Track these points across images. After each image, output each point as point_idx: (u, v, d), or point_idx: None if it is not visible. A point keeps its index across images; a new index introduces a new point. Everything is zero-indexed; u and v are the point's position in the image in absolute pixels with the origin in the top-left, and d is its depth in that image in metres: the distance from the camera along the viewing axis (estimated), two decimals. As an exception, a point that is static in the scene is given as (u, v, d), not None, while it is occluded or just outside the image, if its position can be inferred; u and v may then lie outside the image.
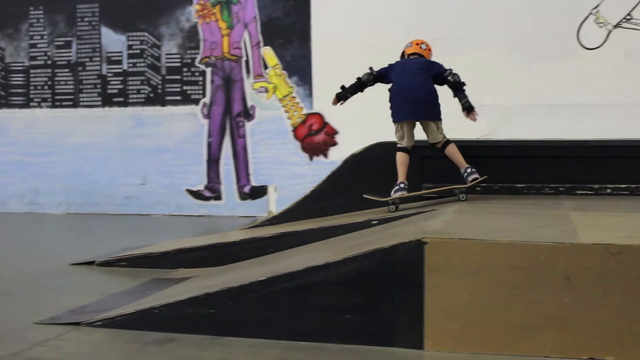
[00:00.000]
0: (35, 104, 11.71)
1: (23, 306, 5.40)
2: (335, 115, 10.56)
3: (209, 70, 11.05)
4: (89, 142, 11.40)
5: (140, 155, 11.19)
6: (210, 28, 11.08)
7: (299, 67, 10.76)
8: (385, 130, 9.08)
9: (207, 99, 11.03)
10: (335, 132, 10.64)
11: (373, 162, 7.38)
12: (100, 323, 4.70)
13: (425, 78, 6.93)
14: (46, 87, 11.68)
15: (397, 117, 7.02)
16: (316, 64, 10.69)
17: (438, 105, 6.97)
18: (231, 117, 10.97)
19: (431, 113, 6.93)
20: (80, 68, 11.54)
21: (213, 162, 11.01)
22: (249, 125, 10.91)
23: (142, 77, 11.29)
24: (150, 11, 11.24)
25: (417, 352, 4.20)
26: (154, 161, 11.11)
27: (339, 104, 7.40)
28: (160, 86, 11.22)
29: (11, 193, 11.71)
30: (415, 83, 6.93)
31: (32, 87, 11.72)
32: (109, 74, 11.42)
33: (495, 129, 9.53)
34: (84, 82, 11.53)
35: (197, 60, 11.10)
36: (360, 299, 4.34)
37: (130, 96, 11.31)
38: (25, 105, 11.75)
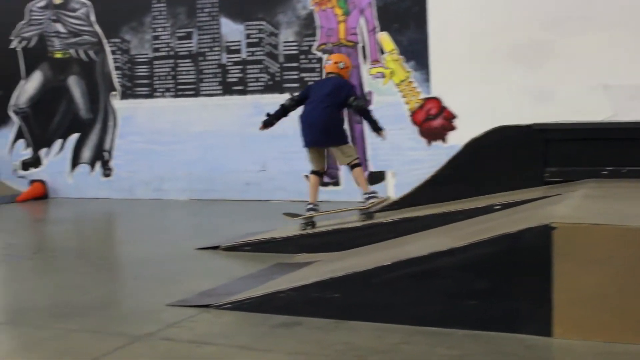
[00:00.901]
0: (159, 94, 12.10)
1: (154, 289, 5.62)
2: (453, 100, 10.45)
3: (325, 57, 11.12)
4: (210, 130, 11.69)
5: (259, 142, 11.38)
6: (327, 15, 11.14)
7: (416, 52, 10.68)
8: (508, 113, 8.94)
9: (324, 86, 11.11)
10: (453, 117, 10.51)
11: (495, 146, 7.25)
12: (229, 306, 4.83)
13: (328, 106, 7.18)
14: (169, 77, 12.05)
15: (303, 142, 7.42)
16: (433, 47, 10.58)
17: (341, 131, 7.33)
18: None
19: (333, 140, 7.28)
20: (201, 58, 11.84)
21: (331, 148, 11.08)
22: (366, 111, 10.91)
23: (260, 66, 11.48)
24: (267, 0, 11.41)
25: (546, 339, 4.12)
26: (273, 148, 11.28)
27: (265, 129, 7.84)
28: (278, 74, 11.38)
29: (138, 180, 12.17)
30: (318, 111, 7.22)
31: (155, 78, 12.12)
32: (229, 63, 11.67)
33: (621, 110, 9.20)
34: (205, 71, 11.83)
35: (314, 48, 11.20)
36: (485, 284, 4.29)
37: (250, 84, 11.53)
38: (150, 95, 12.16)
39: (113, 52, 12.36)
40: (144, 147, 12.12)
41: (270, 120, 7.71)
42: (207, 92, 11.80)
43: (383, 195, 7.26)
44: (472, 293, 4.31)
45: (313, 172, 7.45)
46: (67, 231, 9.42)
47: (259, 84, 11.48)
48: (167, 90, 12.05)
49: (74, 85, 12.65)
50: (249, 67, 11.54)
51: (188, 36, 11.90)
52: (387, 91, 10.79)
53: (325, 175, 7.57)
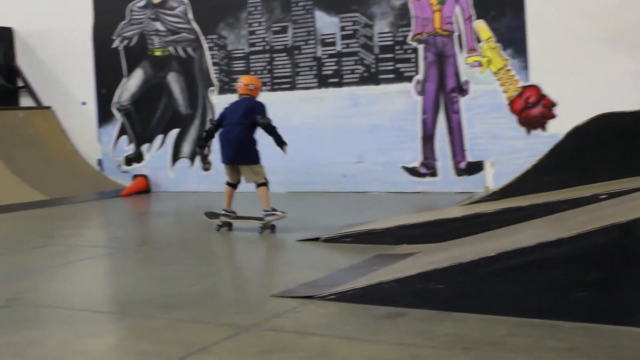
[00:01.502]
0: (256, 88, 12.24)
1: (257, 280, 5.72)
2: (553, 87, 10.22)
3: (421, 47, 11.04)
4: (307, 123, 11.78)
5: (355, 134, 11.42)
6: (421, 4, 11.05)
7: (513, 39, 10.48)
8: (609, 99, 8.67)
9: (420, 76, 11.04)
10: (553, 105, 10.27)
11: (599, 134, 7.04)
12: (332, 297, 4.86)
13: (244, 128, 7.99)
14: (265, 71, 12.19)
15: (221, 159, 8.26)
16: (531, 34, 10.36)
17: (254, 151, 8.10)
18: (445, 92, 10.90)
19: (246, 159, 8.10)
20: (296, 52, 11.94)
21: (428, 138, 11.01)
22: (463, 101, 10.79)
23: (355, 58, 11.49)
24: (361, -8, 11.41)
25: (661, 332, 3.99)
26: (369, 139, 11.29)
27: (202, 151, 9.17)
28: (373, 65, 11.36)
29: (236, 174, 12.36)
30: (233, 133, 8.02)
31: (252, 72, 12.26)
32: (324, 56, 11.72)
33: None
34: (300, 65, 11.91)
35: (409, 38, 11.12)
36: (595, 275, 4.18)
37: (345, 76, 11.55)
38: (247, 89, 12.31)
39: (210, 49, 12.59)
40: (242, 141, 12.28)
41: (202, 144, 8.95)
42: (303, 86, 11.88)
43: (282, 213, 7.98)
44: (582, 284, 4.20)
45: (228, 184, 8.31)
46: (169, 224, 9.67)
47: (355, 75, 11.48)
48: (264, 84, 12.18)
49: (174, 81, 12.96)
50: (344, 59, 11.56)
51: (283, 30, 12.00)
52: (484, 80, 10.64)
53: (238, 186, 8.39)
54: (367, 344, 3.99)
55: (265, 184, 8.17)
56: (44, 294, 5.77)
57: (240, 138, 8.00)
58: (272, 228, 7.97)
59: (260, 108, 8.11)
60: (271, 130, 8.11)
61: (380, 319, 4.42)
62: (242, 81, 8.39)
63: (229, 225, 8.27)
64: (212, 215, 8.50)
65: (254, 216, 8.21)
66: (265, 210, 7.97)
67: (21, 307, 5.23)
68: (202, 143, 8.76)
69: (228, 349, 4.00)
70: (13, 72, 14.34)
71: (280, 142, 8.18)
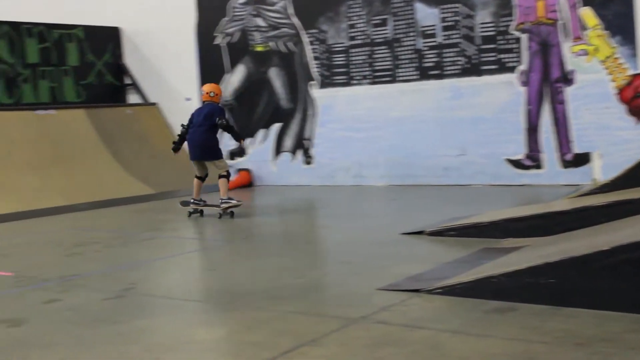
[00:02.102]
0: (356, 82, 12.28)
1: (363, 273, 5.72)
2: (665, 75, 9.85)
3: (524, 37, 10.81)
4: (408, 116, 11.73)
5: (458, 126, 11.29)
6: (524, -7, 10.82)
7: (621, 26, 10.14)
8: None
9: (523, 66, 10.81)
10: (665, 93, 9.90)
11: None
12: (439, 290, 4.83)
13: (206, 129, 9.34)
14: (365, 64, 12.19)
15: (189, 156, 9.61)
16: (641, 20, 10.00)
17: (216, 149, 9.50)
18: (549, 82, 10.65)
19: (209, 155, 9.50)
20: (396, 44, 11.89)
21: (532, 130, 10.78)
22: (568, 91, 10.51)
23: (456, 49, 11.35)
24: (462, -18, 11.26)
25: None
26: (471, 131, 11.15)
27: (177, 152, 9.84)
28: (475, 56, 11.20)
29: (338, 167, 12.45)
30: (198, 133, 9.38)
31: (352, 66, 12.30)
32: (425, 48, 11.63)
33: None
34: (401, 57, 11.86)
35: (511, 27, 10.91)
36: None
37: (446, 68, 11.43)
38: (347, 83, 12.37)
39: (311, 43, 12.68)
40: (343, 134, 12.36)
41: (177, 147, 9.76)
42: (404, 78, 11.82)
43: (237, 202, 9.25)
44: (702, 280, 4.05)
45: (196, 177, 9.58)
46: (272, 217, 9.80)
47: (456, 67, 11.35)
48: (364, 77, 12.20)
49: (275, 76, 13.11)
50: (445, 50, 11.44)
51: (383, 23, 11.97)
52: (591, 69, 10.33)
53: (205, 179, 9.65)
54: (478, 339, 3.95)
55: (226, 176, 9.39)
56: (155, 284, 5.96)
57: (203, 138, 9.37)
58: (231, 214, 9.25)
59: (219, 112, 9.48)
60: (229, 129, 9.56)
61: (490, 314, 4.36)
62: (204, 90, 9.75)
63: (200, 212, 9.58)
64: (184, 203, 9.77)
65: (214, 204, 9.40)
66: (222, 199, 9.24)
67: (135, 297, 5.41)
68: (175, 146, 9.73)
69: (338, 341, 4.03)
70: (121, 70, 14.82)
71: (238, 138, 9.89)
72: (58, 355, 4.05)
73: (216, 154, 9.51)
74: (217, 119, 9.30)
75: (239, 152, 13.56)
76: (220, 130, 9.51)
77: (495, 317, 4.29)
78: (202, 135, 9.36)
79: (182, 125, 9.64)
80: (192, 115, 9.60)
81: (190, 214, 9.56)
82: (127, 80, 14.83)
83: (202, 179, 9.59)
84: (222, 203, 9.22)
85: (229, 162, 13.51)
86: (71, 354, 4.07)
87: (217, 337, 4.42)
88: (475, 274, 4.91)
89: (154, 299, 5.35)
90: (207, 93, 9.65)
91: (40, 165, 11.87)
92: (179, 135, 9.74)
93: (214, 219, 9.26)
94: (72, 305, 5.19)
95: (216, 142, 9.53)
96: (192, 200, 9.60)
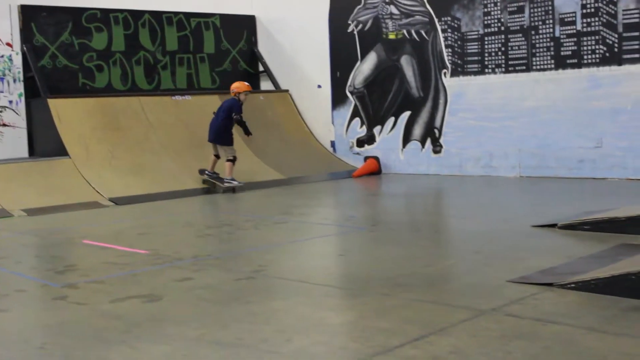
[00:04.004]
0: (490, 70, 12.05)
1: (493, 264, 5.63)
2: None
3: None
4: (542, 106, 11.41)
5: (594, 117, 10.89)
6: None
7: None
8: None
9: (668, 55, 10.31)
10: None
11: None
12: (573, 285, 4.69)
13: (223, 119, 11.31)
14: (500, 53, 11.94)
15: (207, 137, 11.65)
16: None
17: (226, 136, 11.35)
18: (696, 73, 10.10)
19: (220, 141, 11.37)
20: (533, 32, 11.57)
21: (675, 122, 10.28)
22: None
23: (596, 37, 10.94)
24: (605, -33, 10.82)
25: None
26: (609, 123, 10.73)
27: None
28: (616, 45, 10.76)
29: (468, 157, 12.27)
30: (216, 120, 11.45)
31: (486, 54, 12.07)
32: (562, 36, 11.27)
33: None
34: (537, 45, 11.54)
35: (657, 15, 10.41)
36: None
37: (585, 57, 11.04)
38: (480, 72, 12.15)
39: (444, 31, 12.53)
40: (474, 123, 12.17)
41: (246, 131, 11.67)
42: (540, 67, 11.51)
43: (238, 183, 11.24)
44: None
45: (214, 155, 11.44)
46: (400, 205, 9.78)
47: (595, 56, 10.94)
48: (498, 66, 11.96)
49: (406, 64, 13.05)
50: (584, 38, 11.04)
51: (520, 10, 11.68)
52: None
53: (219, 157, 11.46)
54: (615, 337, 3.81)
55: (232, 160, 11.19)
56: (285, 267, 6.07)
57: (218, 126, 11.33)
58: (232, 191, 11.25)
59: (236, 107, 11.30)
60: (241, 124, 11.39)
61: (628, 312, 4.21)
62: (231, 89, 11.55)
63: (212, 185, 11.42)
64: (200, 172, 11.55)
65: (219, 181, 11.36)
66: (225, 179, 11.24)
67: (265, 279, 5.54)
68: (245, 131, 11.63)
69: (467, 331, 3.99)
70: (255, 58, 15.13)
71: (247, 133, 11.64)
72: (194, 332, 4.19)
73: (225, 141, 11.33)
74: (234, 114, 11.24)
75: (368, 140, 13.59)
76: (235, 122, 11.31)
77: (633, 316, 4.14)
78: (218, 123, 11.33)
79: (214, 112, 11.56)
80: (220, 105, 11.64)
81: (204, 181, 11.50)
82: (260, 68, 15.12)
83: (217, 156, 11.44)
84: (225, 182, 11.22)
85: (358, 149, 13.62)
86: (206, 331, 4.21)
87: (346, 321, 4.46)
88: (612, 270, 4.74)
89: (285, 282, 5.45)
90: (231, 90, 11.55)
91: (176, 149, 12.30)
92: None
93: (345, 203, 9.31)
94: (205, 284, 5.37)
95: (228, 131, 11.33)
96: (206, 172, 11.44)
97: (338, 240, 7.46)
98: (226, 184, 11.24)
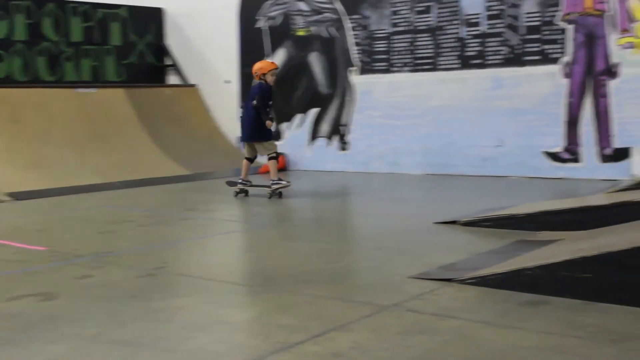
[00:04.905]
0: (397, 69, 12.20)
1: (397, 260, 5.70)
2: None
3: (570, 28, 10.64)
4: (448, 105, 11.63)
5: (497, 117, 11.17)
6: (572, -16, 10.64)
7: (670, 20, 9.94)
8: None
9: (567, 58, 10.65)
10: None
11: None
12: (472, 280, 4.79)
13: (251, 108, 9.39)
14: (407, 52, 12.10)
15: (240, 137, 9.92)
16: (691, 15, 9.78)
17: (263, 129, 9.39)
18: (593, 75, 10.47)
19: (256, 137, 9.50)
20: (439, 32, 11.77)
21: (572, 123, 10.63)
22: (612, 84, 10.33)
23: (500, 38, 11.21)
24: (508, -30, 11.11)
25: None
26: (511, 122, 11.02)
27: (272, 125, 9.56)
28: (519, 46, 11.05)
29: (374, 154, 12.40)
30: (246, 113, 9.65)
31: (394, 53, 12.22)
32: (468, 37, 11.50)
33: None
34: (443, 45, 11.75)
35: (557, 18, 10.74)
36: None
37: (488, 58, 11.30)
38: (388, 70, 12.29)
39: (353, 29, 12.62)
40: (381, 121, 12.30)
41: (269, 118, 9.48)
42: (445, 67, 11.72)
43: (286, 182, 9.49)
44: None
45: (245, 158, 9.69)
46: (307, 202, 9.79)
47: (499, 57, 11.21)
48: (405, 64, 12.12)
49: (315, 61, 13.08)
50: (488, 40, 11.30)
51: (427, 10, 11.86)
52: (637, 62, 10.14)
53: (254, 160, 9.80)
54: (510, 330, 3.90)
55: (275, 157, 9.51)
56: (188, 264, 5.99)
57: (250, 119, 9.49)
58: (279, 195, 9.42)
59: (258, 92, 9.43)
60: (261, 111, 9.35)
61: (522, 306, 4.31)
62: (254, 70, 9.64)
63: (245, 192, 9.71)
64: (231, 183, 9.94)
65: (263, 184, 9.65)
66: (272, 180, 9.39)
67: (167, 276, 5.45)
68: (267, 118, 9.47)
69: (368, 327, 4.02)
70: (162, 51, 14.90)
71: (264, 120, 9.39)
72: (91, 331, 4.08)
73: (262, 135, 9.49)
74: (254, 100, 9.39)
75: (275, 136, 13.55)
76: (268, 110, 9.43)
77: (527, 310, 4.24)
78: (249, 117, 9.52)
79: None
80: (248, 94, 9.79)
81: (236, 193, 9.69)
82: (168, 61, 14.90)
83: (250, 160, 9.71)
84: (272, 184, 9.39)
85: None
86: (104, 330, 4.11)
87: (248, 318, 4.43)
88: (509, 266, 4.86)
89: (187, 279, 5.38)
90: (254, 72, 9.68)
91: (79, 143, 12.00)
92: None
93: (251, 200, 9.30)
94: (105, 282, 5.24)
95: (261, 123, 9.41)
96: (240, 181, 9.72)
97: (243, 236, 7.41)
98: (274, 187, 9.43)
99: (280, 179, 9.43)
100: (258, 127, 9.42)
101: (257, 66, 9.65)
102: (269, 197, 9.35)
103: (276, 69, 9.75)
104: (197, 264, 5.98)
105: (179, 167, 12.36)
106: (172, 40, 14.89)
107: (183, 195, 10.33)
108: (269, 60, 10.51)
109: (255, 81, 9.61)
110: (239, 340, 4.01)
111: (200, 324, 4.19)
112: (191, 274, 5.53)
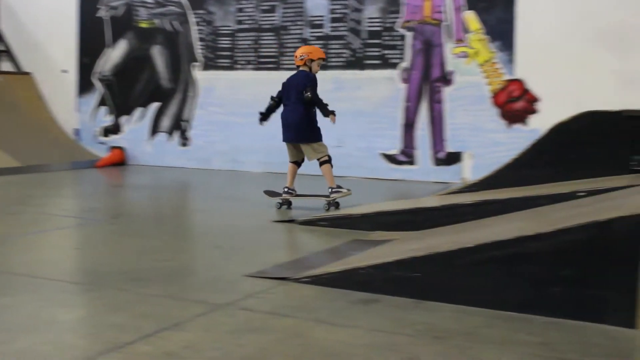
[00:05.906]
0: (240, 66, 12.17)
1: (232, 259, 5.67)
2: (537, 83, 10.24)
3: (409, 35, 11.00)
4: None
5: (338, 118, 11.29)
6: (413, -9, 11.01)
7: (502, 32, 10.48)
8: (593, 98, 8.70)
9: (406, 64, 11.01)
10: (536, 100, 10.29)
11: (582, 131, 7.09)
12: (307, 279, 4.84)
13: (295, 107, 7.80)
14: (251, 50, 12.09)
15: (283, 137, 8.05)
16: (520, 29, 10.35)
17: (310, 128, 7.83)
18: (429, 81, 10.88)
19: (303, 137, 7.87)
20: (283, 32, 11.85)
21: (409, 126, 11.01)
22: (447, 91, 10.78)
23: (342, 41, 11.42)
24: (352, -25, 11.34)
25: (630, 331, 4.00)
26: (351, 124, 11.25)
27: (263, 123, 8.31)
28: (360, 50, 11.31)
29: (215, 151, 12.31)
30: (290, 108, 7.88)
31: (238, 50, 12.18)
32: (311, 38, 11.64)
33: None
34: (287, 45, 11.83)
35: (397, 25, 11.08)
36: (570, 272, 4.19)
37: (331, 60, 11.48)
38: (231, 67, 12.24)
39: (197, 24, 12.48)
40: (223, 118, 12.24)
41: (266, 117, 8.30)
42: (289, 66, 11.79)
43: (347, 190, 7.91)
44: (557, 279, 4.21)
45: (290, 162, 8.12)
46: (144, 198, 9.60)
47: (341, 59, 11.42)
48: (249, 62, 12.11)
49: (158, 55, 12.84)
50: (331, 42, 11.49)
51: (272, 9, 11.91)
52: (470, 71, 10.64)
53: (301, 164, 8.21)
54: (341, 328, 3.98)
55: (327, 161, 7.97)
56: (16, 261, 5.70)
57: (294, 116, 7.87)
58: (337, 205, 7.80)
59: (306, 81, 7.81)
60: (317, 103, 7.81)
61: (355, 304, 4.40)
62: (297, 54, 8.06)
63: (288, 204, 8.09)
64: (271, 193, 8.28)
65: (317, 194, 8.13)
66: (331, 188, 7.86)
67: (-8, 273, 5.17)
68: (266, 117, 8.28)
69: (201, 326, 3.97)
70: (-6, 35, 14.15)
71: (327, 113, 7.81)
72: None
73: (310, 136, 7.92)
74: (304, 91, 7.77)
75: (114, 129, 13.21)
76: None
77: (359, 308, 4.34)
78: (293, 113, 7.87)
79: (272, 97, 8.23)
80: (282, 85, 8.11)
81: (279, 205, 8.10)
82: (1, 47, 14.15)
83: (297, 164, 8.16)
84: (331, 192, 7.87)
85: (102, 138, 13.18)
86: None
87: (77, 317, 4.27)
88: (343, 265, 4.95)
89: (13, 277, 5.12)
90: (296, 57, 8.03)
91: None
92: (270, 104, 8.33)
93: (89, 193, 8.99)
94: None
95: (310, 121, 7.92)
96: (285, 190, 8.13)
97: (76, 232, 7.14)
98: (334, 196, 7.85)
99: (339, 187, 7.90)
100: (308, 126, 7.89)
101: (305, 50, 8.11)
102: (327, 209, 7.75)
103: (324, 59, 8.32)
104: (25, 261, 5.70)
105: (10, 158, 11.76)
106: (5, 25, 14.15)
107: (13, 188, 9.84)
108: (317, 47, 9.05)
109: (300, 69, 8.03)
110: (67, 340, 3.85)
111: (26, 324, 4.00)
112: (18, 271, 5.26)
